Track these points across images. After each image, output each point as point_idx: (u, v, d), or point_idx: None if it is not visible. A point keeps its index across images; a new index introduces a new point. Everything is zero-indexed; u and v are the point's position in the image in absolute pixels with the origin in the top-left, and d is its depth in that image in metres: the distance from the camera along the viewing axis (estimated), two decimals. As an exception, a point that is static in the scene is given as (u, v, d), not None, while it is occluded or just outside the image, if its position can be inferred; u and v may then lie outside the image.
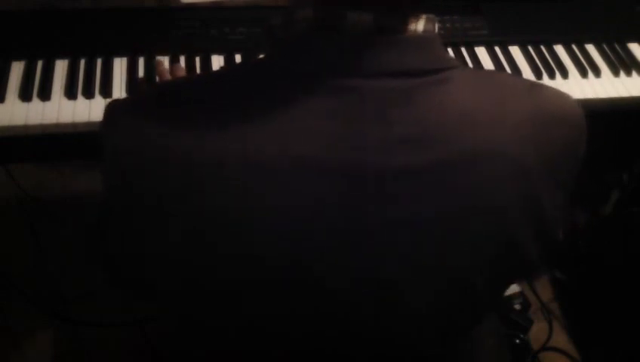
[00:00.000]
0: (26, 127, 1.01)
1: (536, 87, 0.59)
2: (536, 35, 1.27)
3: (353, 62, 0.50)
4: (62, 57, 1.10)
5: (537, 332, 1.54)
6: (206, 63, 1.14)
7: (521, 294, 1.42)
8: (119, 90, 1.07)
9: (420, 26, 0.52)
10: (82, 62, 1.10)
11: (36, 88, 1.05)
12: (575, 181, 0.60)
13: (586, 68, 1.23)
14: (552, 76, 1.21)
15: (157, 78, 1.03)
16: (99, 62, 1.11)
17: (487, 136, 0.52)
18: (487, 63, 1.21)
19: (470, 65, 1.20)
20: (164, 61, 1.11)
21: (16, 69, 1.07)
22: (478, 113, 0.53)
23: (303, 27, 0.52)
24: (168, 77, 0.99)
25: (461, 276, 0.56)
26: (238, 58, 1.15)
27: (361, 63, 0.50)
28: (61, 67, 1.09)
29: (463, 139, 0.51)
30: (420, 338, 0.60)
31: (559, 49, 1.27)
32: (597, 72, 1.23)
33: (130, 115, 0.54)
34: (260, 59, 0.56)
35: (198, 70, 1.12)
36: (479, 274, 0.57)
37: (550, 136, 0.56)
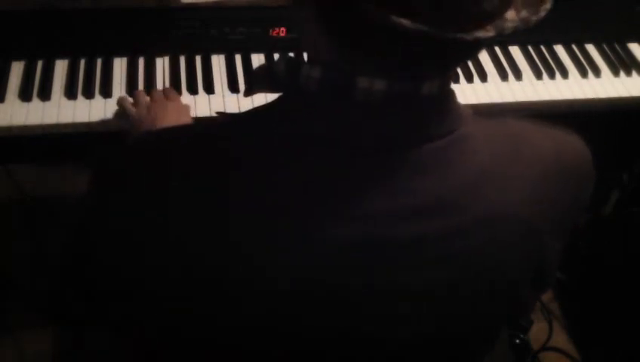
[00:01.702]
0: (25, 127, 1.01)
1: (547, 134, 0.58)
2: (536, 35, 1.27)
3: (367, 133, 0.49)
4: (62, 57, 1.10)
5: (537, 332, 1.53)
6: (206, 63, 1.14)
7: (521, 294, 1.42)
8: (119, 90, 1.07)
9: (435, 87, 0.49)
10: (82, 62, 1.10)
11: (36, 88, 1.05)
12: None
13: (586, 68, 1.23)
14: (552, 76, 1.21)
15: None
16: (99, 62, 1.11)
17: (499, 201, 0.51)
18: (487, 63, 1.21)
19: (470, 65, 1.20)
20: (165, 61, 1.12)
21: (16, 69, 1.07)
22: (492, 174, 0.52)
23: (309, 87, 0.49)
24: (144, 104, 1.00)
25: (456, 331, 0.57)
26: (238, 58, 1.16)
27: (375, 134, 0.49)
28: (61, 67, 1.09)
29: (474, 206, 0.50)
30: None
31: (559, 49, 1.27)
32: (597, 72, 1.23)
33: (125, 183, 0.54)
34: (267, 117, 0.53)
35: (198, 70, 1.12)
36: (475, 328, 0.58)
37: (562, 190, 0.56)
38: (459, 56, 0.49)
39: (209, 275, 0.51)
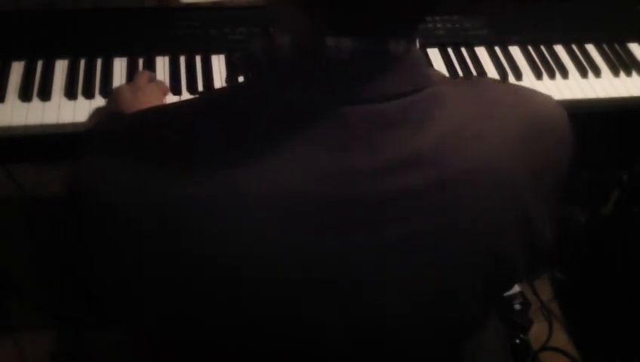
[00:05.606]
0: (26, 127, 1.01)
1: (520, 93, 0.60)
2: (536, 35, 1.27)
3: (338, 90, 0.50)
4: (62, 57, 1.10)
5: (537, 332, 1.54)
6: (206, 63, 1.14)
7: (521, 294, 1.42)
8: (119, 90, 1.07)
9: (401, 46, 0.51)
10: (82, 62, 1.10)
11: (36, 88, 1.05)
12: (562, 190, 0.61)
13: (586, 68, 1.23)
14: (552, 76, 1.21)
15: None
16: (99, 62, 1.11)
17: (477, 153, 0.52)
18: (487, 63, 1.22)
19: (470, 65, 1.20)
20: (164, 61, 1.12)
21: (16, 69, 1.07)
22: (468, 130, 0.53)
23: (283, 54, 0.51)
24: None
25: (450, 288, 0.56)
26: (238, 58, 1.16)
27: (346, 90, 0.50)
28: (61, 67, 1.09)
29: (453, 159, 0.51)
30: (413, 346, 0.60)
31: (559, 49, 1.27)
32: (597, 72, 1.23)
33: (103, 160, 0.53)
34: (241, 89, 0.55)
35: (198, 70, 1.12)
36: (468, 287, 0.58)
37: (538, 148, 0.57)
38: (421, 8, 0.51)
39: (185, 273, 0.51)
